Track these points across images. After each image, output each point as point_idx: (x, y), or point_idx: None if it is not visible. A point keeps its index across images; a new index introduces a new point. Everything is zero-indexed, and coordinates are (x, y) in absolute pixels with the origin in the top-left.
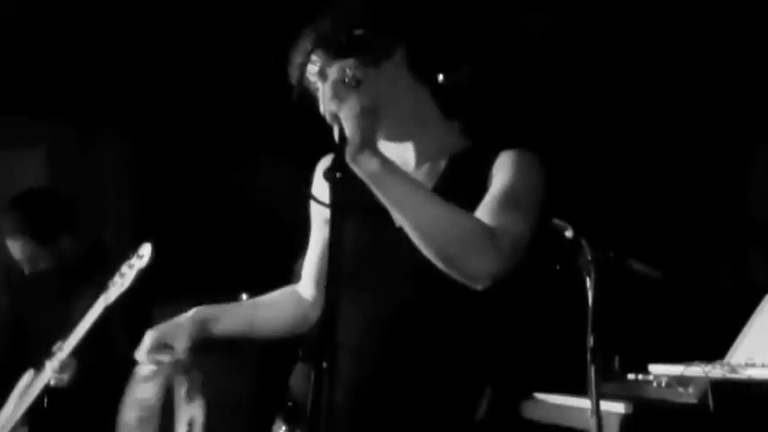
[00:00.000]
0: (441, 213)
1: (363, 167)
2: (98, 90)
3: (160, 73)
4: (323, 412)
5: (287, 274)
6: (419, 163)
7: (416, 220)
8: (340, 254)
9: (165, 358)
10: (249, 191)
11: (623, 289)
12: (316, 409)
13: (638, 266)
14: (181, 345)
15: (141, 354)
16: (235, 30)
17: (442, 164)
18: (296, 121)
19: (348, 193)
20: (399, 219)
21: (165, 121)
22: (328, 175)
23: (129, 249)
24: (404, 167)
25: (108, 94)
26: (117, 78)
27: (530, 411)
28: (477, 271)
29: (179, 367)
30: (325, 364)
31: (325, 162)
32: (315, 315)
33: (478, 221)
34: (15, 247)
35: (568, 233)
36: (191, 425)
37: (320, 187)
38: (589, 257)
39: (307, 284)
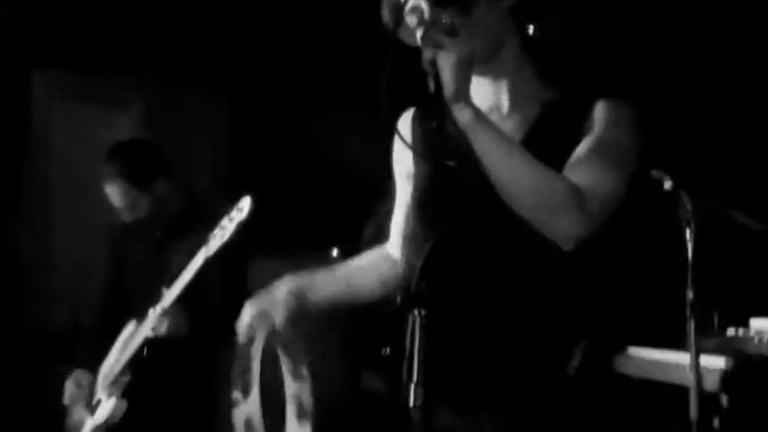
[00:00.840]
0: (528, 172)
1: (457, 118)
2: (189, 49)
3: (248, 30)
4: (419, 361)
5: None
6: (511, 111)
7: (504, 177)
8: (438, 203)
9: (265, 331)
10: (338, 145)
11: (724, 241)
12: (412, 357)
13: (739, 218)
14: (279, 317)
15: (241, 327)
16: None
17: (534, 113)
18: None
19: (438, 143)
20: (490, 174)
21: (254, 78)
22: (424, 123)
23: (225, 204)
24: (496, 113)
25: (199, 52)
26: (207, 37)
27: (624, 366)
28: (562, 233)
29: (279, 341)
30: (422, 312)
31: (407, 116)
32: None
33: (566, 183)
34: (114, 193)
35: (667, 184)
36: (298, 402)
37: (398, 141)
38: (689, 208)
39: (396, 244)
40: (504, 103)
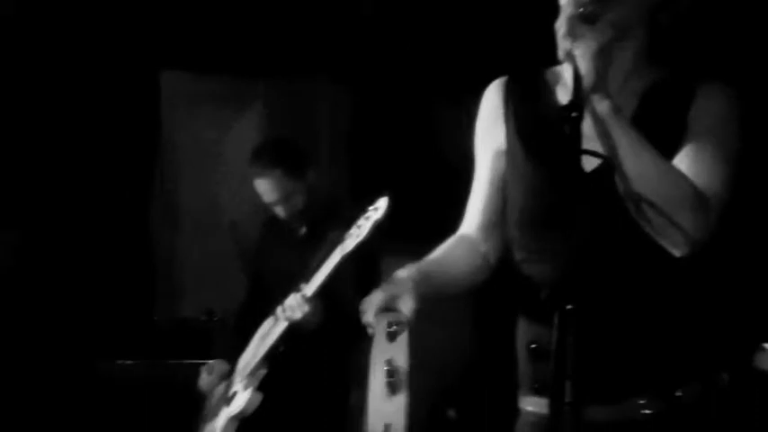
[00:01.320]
0: (657, 171)
1: (596, 108)
2: (306, 43)
3: (365, 21)
4: (570, 357)
5: None
6: (620, 89)
7: (634, 172)
8: (579, 197)
9: (397, 319)
10: (467, 135)
11: None
12: (561, 353)
13: None
14: (407, 305)
15: (370, 315)
16: None
17: (640, 92)
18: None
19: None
20: (619, 166)
21: (374, 69)
22: (564, 113)
23: (356, 202)
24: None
25: (317, 46)
26: (324, 29)
27: (763, 362)
28: (679, 239)
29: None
30: (571, 308)
31: (494, 88)
32: (493, 261)
33: (690, 187)
34: (269, 188)
35: None
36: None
37: (490, 112)
38: None
39: (477, 227)
40: (613, 82)
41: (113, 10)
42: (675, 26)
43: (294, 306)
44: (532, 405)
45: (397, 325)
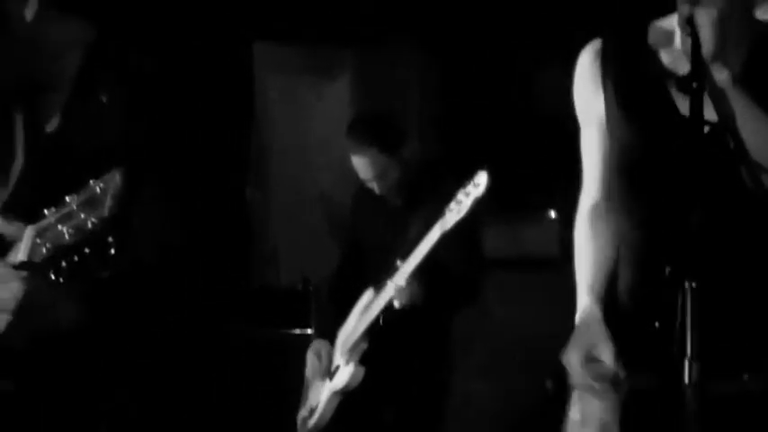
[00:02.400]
0: None
1: (715, 77)
2: (394, 10)
3: None
4: (693, 335)
5: None
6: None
7: (755, 144)
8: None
9: (603, 372)
10: (555, 102)
11: None
12: (684, 331)
13: None
14: (607, 354)
15: (577, 375)
16: None
17: (745, 50)
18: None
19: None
20: (740, 136)
21: (463, 36)
22: (682, 84)
23: (449, 174)
24: None
25: (405, 13)
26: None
27: None
28: None
29: (615, 383)
30: (694, 285)
31: (589, 53)
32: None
33: None
34: (365, 164)
35: None
36: None
37: (588, 75)
38: None
39: (603, 198)
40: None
41: None
42: None
43: (392, 294)
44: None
45: (604, 380)
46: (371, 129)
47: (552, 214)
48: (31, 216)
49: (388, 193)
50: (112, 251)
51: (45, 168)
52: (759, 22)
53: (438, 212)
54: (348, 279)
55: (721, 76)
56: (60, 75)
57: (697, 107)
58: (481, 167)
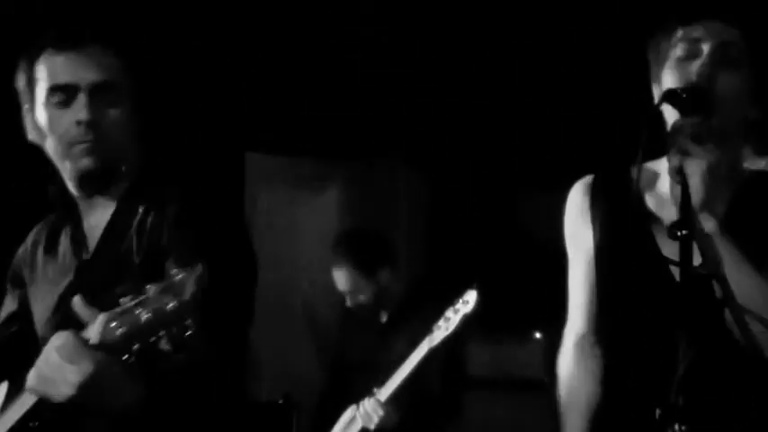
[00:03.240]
0: (760, 291)
1: (703, 226)
2: (386, 128)
3: (437, 104)
4: None
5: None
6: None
7: (736, 290)
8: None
9: None
10: (541, 224)
11: None
12: None
13: None
14: None
15: None
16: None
17: (731, 193)
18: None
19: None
20: (725, 283)
21: (450, 153)
22: (672, 231)
23: (434, 290)
24: None
25: (396, 131)
26: (400, 113)
27: None
28: None
29: None
30: (683, 428)
31: (580, 188)
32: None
33: None
34: (341, 278)
35: None
36: None
37: (577, 211)
38: None
39: (588, 330)
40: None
41: (202, 92)
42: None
43: (370, 412)
44: None
45: None
46: (351, 245)
47: (538, 335)
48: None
49: (357, 310)
50: (189, 333)
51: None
52: (744, 170)
53: (423, 331)
54: (335, 397)
55: (709, 224)
56: None
57: (686, 254)
58: (471, 286)
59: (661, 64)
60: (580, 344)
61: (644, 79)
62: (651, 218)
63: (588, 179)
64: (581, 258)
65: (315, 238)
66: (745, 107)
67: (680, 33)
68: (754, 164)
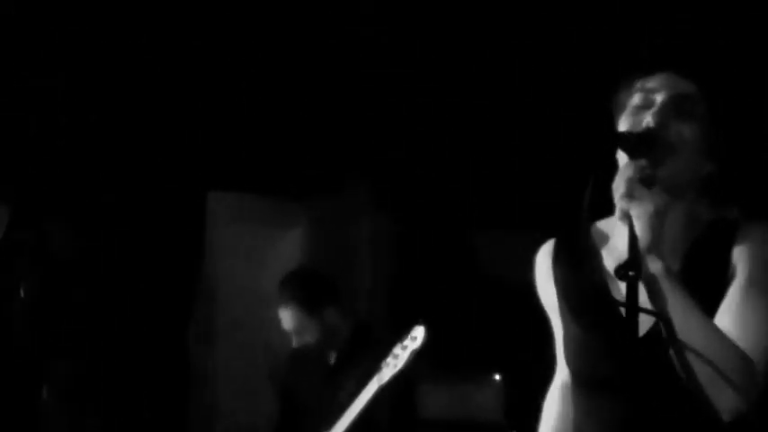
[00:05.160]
0: (704, 336)
1: (649, 269)
2: (351, 168)
3: (410, 149)
4: None
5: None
6: (666, 241)
7: (681, 334)
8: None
9: None
10: (502, 264)
11: None
12: None
13: None
14: None
15: None
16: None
17: (686, 244)
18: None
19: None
20: (669, 326)
21: (417, 195)
22: (620, 272)
23: (393, 328)
24: None
25: (362, 171)
26: (370, 153)
27: None
28: (724, 406)
29: None
30: None
31: (543, 251)
32: None
33: (737, 353)
34: (287, 317)
35: None
36: None
37: (543, 273)
38: None
39: (567, 376)
40: (669, 236)
41: (165, 131)
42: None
43: None
44: None
45: None
46: (296, 285)
47: (497, 377)
48: None
49: (303, 349)
50: None
51: None
52: (701, 221)
53: (372, 369)
54: None
55: (655, 267)
56: None
57: (633, 295)
58: (418, 322)
59: (619, 113)
60: (564, 388)
61: (600, 125)
62: (607, 274)
63: (550, 244)
64: (554, 316)
65: (278, 278)
66: (697, 159)
67: (638, 84)
68: (714, 213)
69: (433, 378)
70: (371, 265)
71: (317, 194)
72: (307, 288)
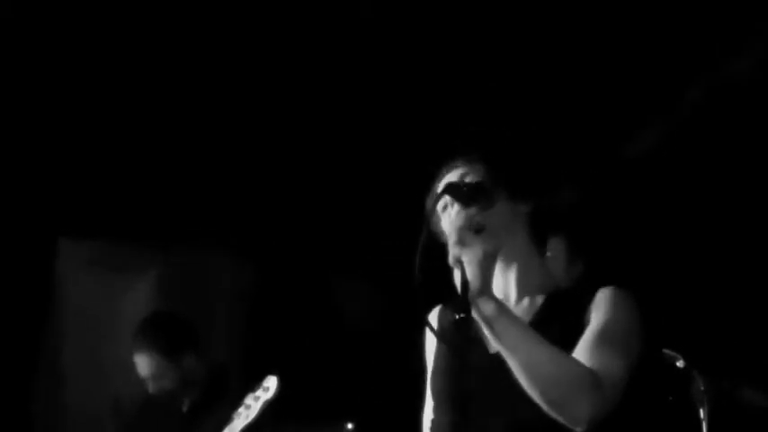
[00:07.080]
0: (548, 358)
1: (482, 310)
2: (206, 217)
3: (267, 198)
4: None
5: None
6: (519, 298)
7: (525, 363)
8: (462, 394)
9: None
10: (357, 315)
11: (737, 418)
12: None
13: (750, 395)
14: None
15: None
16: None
17: (540, 300)
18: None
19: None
20: (509, 360)
21: (275, 244)
22: (450, 315)
23: (248, 377)
24: (505, 301)
25: (216, 220)
26: (224, 204)
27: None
28: (578, 416)
29: None
30: None
31: (436, 312)
32: None
33: (583, 367)
34: (143, 363)
35: (679, 363)
36: None
37: (428, 338)
38: (702, 388)
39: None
40: (512, 293)
41: (15, 176)
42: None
43: None
44: None
45: None
46: (153, 330)
47: (349, 426)
48: None
49: (160, 395)
50: None
51: None
52: (553, 278)
53: (225, 419)
54: None
55: (487, 308)
56: None
57: (464, 334)
58: (271, 372)
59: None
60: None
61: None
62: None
63: (437, 309)
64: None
65: (130, 326)
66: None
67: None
68: (552, 283)
69: (285, 426)
70: (226, 314)
71: (172, 241)
72: (166, 333)
